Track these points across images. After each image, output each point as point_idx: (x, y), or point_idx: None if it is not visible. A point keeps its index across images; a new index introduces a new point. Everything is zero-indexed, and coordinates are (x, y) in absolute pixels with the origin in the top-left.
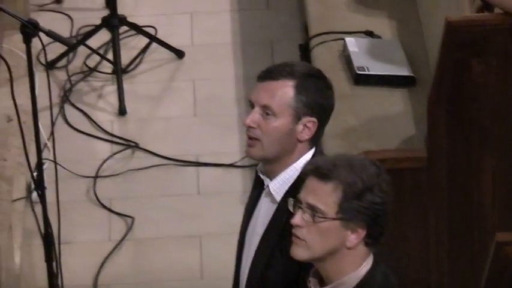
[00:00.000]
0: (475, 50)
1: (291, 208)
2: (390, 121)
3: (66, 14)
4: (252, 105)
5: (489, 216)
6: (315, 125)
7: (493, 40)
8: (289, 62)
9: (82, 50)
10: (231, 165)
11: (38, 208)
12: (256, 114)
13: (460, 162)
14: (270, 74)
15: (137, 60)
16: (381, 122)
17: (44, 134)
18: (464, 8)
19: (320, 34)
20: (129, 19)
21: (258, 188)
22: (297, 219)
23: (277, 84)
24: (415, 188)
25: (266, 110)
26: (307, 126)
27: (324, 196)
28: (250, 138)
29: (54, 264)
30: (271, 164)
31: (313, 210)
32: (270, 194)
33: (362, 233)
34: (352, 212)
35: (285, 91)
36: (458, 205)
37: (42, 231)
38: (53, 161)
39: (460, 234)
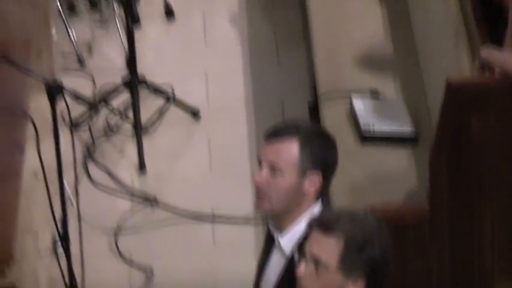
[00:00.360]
0: (475, 109)
1: (297, 259)
2: (395, 177)
3: (88, 74)
4: (260, 163)
5: (489, 266)
6: (320, 179)
7: (492, 99)
8: (293, 120)
9: (104, 108)
10: (245, 221)
11: (63, 260)
12: (264, 171)
13: (461, 214)
14: (275, 133)
15: (155, 118)
16: (386, 177)
17: (68, 189)
18: (464, 68)
19: (328, 93)
20: (148, 77)
21: (269, 242)
22: (301, 270)
23: (283, 142)
24: (418, 239)
25: (273, 167)
26: (313, 181)
27: (327, 248)
28: (259, 194)
29: None
30: (280, 218)
31: (316, 261)
32: (280, 248)
33: (362, 284)
34: (353, 263)
35: (290, 148)
36: (460, 255)
37: (67, 283)
38: (77, 215)
39: (462, 283)
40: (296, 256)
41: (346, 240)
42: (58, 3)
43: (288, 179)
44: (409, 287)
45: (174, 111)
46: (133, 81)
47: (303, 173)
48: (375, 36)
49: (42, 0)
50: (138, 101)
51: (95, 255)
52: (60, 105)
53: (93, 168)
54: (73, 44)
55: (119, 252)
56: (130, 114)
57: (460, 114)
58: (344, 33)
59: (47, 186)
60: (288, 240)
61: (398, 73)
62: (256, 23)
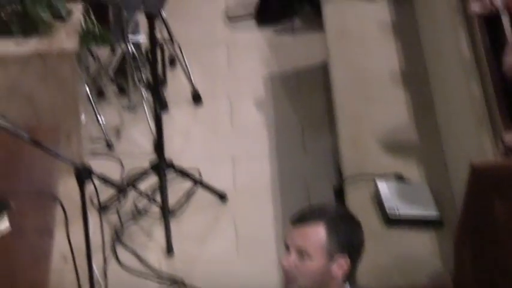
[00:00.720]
0: (498, 192)
1: None
2: (420, 260)
3: (116, 158)
4: (287, 247)
5: None
6: (348, 262)
7: None
8: (319, 204)
9: (132, 192)
10: None
11: None
12: (291, 256)
13: None
14: (302, 218)
15: (183, 201)
16: (411, 260)
17: (97, 272)
18: (487, 151)
19: (353, 176)
20: (175, 161)
21: None
22: None
23: (310, 227)
24: None
25: (301, 252)
26: (340, 265)
27: None
28: (287, 278)
29: None
30: None
31: None
32: None
33: None
34: None
35: (317, 233)
36: None
37: None
38: None
39: None
40: None
41: None
42: (87, 89)
43: (316, 263)
44: None
45: (201, 195)
46: (161, 165)
47: (330, 256)
48: (399, 120)
49: (71, 85)
50: (165, 185)
51: None
52: (89, 189)
53: (121, 251)
54: (102, 128)
55: None
56: (158, 197)
57: (484, 198)
58: (368, 117)
59: (76, 268)
60: None
61: (422, 156)
62: (282, 107)
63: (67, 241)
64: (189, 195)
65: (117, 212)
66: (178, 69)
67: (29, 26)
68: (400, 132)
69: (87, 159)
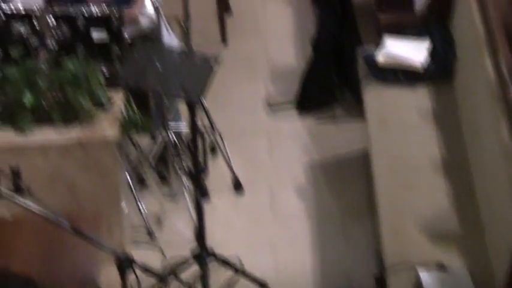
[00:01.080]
0: None
1: None
2: None
3: (158, 246)
4: None
5: None
6: None
7: None
8: None
9: (173, 281)
10: None
11: None
12: None
13: None
14: None
15: None
16: None
17: None
18: None
19: (394, 265)
20: (216, 249)
21: None
22: None
23: None
24: None
25: None
26: None
27: None
28: None
29: None
30: None
31: None
32: None
33: None
34: None
35: None
36: None
37: None
38: None
39: None
40: None
41: None
42: (128, 177)
43: None
44: None
45: (242, 284)
46: (202, 254)
47: None
48: (440, 207)
49: (112, 173)
50: (207, 274)
51: None
52: (130, 278)
53: None
54: (143, 216)
55: None
56: (200, 286)
57: None
58: (409, 205)
59: None
60: None
61: (464, 244)
62: (322, 195)
63: None
64: (230, 284)
65: None
66: (219, 158)
67: (69, 114)
68: (441, 220)
69: (129, 248)
